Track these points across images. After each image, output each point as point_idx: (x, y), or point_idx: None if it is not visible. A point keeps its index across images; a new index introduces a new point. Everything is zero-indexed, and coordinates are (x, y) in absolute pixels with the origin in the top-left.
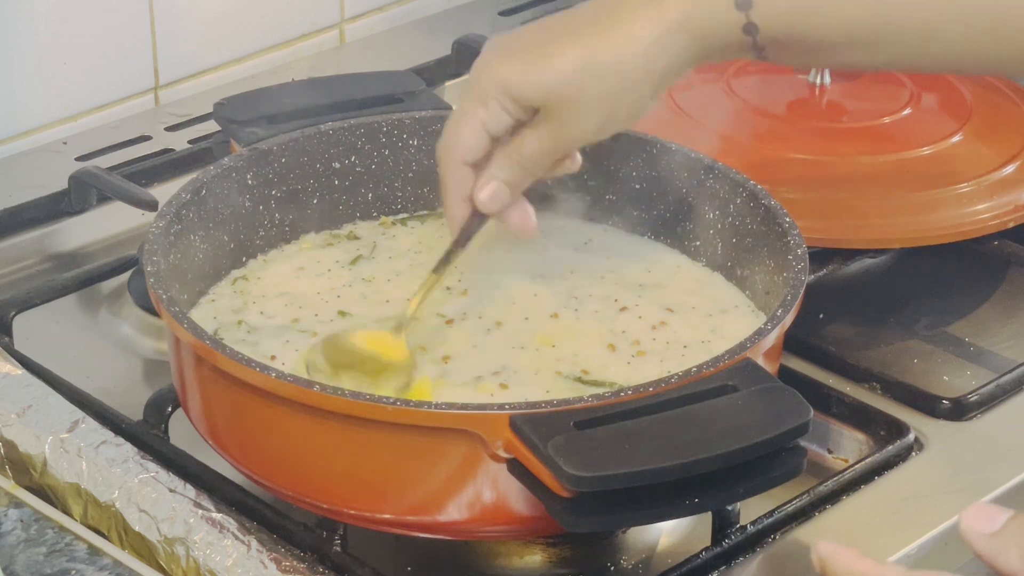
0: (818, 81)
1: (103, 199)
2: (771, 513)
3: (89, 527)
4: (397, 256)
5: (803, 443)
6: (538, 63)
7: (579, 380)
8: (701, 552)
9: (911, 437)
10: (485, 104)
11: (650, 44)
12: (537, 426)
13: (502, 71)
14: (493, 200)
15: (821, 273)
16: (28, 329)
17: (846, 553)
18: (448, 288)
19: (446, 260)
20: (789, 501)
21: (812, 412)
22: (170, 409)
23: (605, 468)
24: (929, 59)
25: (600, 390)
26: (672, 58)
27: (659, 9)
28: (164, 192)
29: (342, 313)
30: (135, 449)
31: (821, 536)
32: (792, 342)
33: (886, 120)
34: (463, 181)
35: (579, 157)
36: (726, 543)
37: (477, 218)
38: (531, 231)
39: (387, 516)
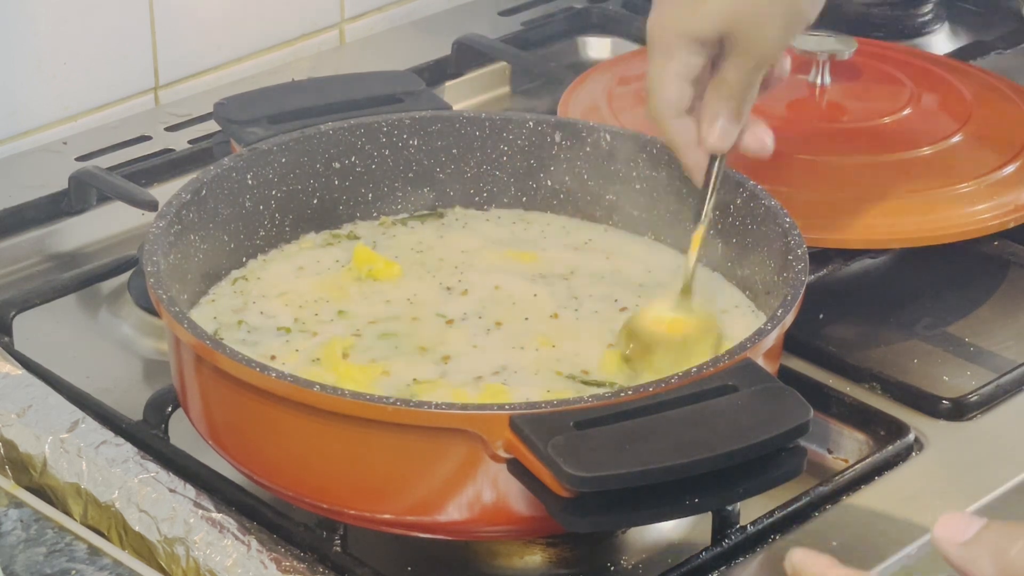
0: (818, 81)
1: (103, 199)
2: (771, 513)
3: (89, 527)
4: (397, 256)
5: (803, 443)
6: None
7: (579, 380)
8: (701, 552)
9: (911, 437)
10: (671, 55)
11: None
12: (537, 426)
13: (672, 17)
14: (723, 138)
15: (821, 273)
16: (28, 329)
17: (820, 560)
18: (448, 288)
19: (702, 211)
20: (789, 501)
21: (812, 412)
22: (170, 409)
23: (605, 468)
24: None
25: (600, 390)
26: None
27: None
28: (164, 192)
29: (342, 313)
30: (135, 449)
31: (822, 536)
32: (792, 342)
33: (886, 120)
34: (686, 131)
35: (787, 63)
36: (726, 543)
37: (714, 160)
38: (768, 149)
39: (387, 516)
